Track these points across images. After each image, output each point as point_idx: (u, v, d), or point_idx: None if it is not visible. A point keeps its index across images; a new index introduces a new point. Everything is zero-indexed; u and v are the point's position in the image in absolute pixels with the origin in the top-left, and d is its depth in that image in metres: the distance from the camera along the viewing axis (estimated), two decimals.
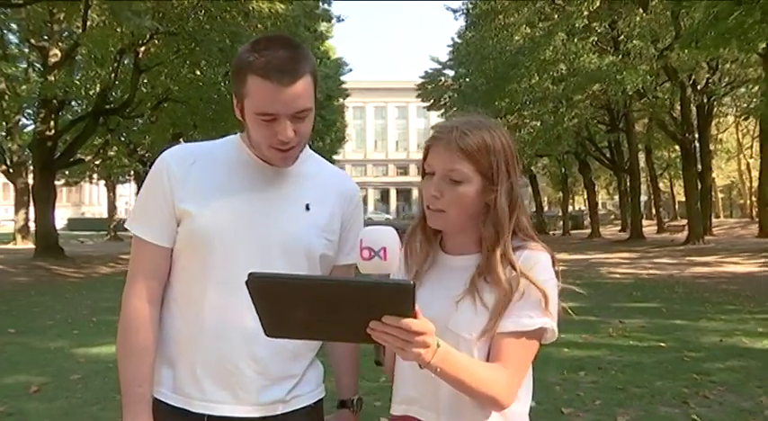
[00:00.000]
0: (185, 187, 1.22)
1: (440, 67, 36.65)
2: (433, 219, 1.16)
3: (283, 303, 0.89)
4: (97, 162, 22.71)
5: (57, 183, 19.97)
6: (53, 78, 16.75)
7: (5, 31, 21.25)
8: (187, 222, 1.22)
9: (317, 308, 0.88)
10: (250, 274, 0.87)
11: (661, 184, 40.45)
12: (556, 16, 21.42)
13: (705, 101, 25.62)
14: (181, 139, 23.72)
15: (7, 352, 5.81)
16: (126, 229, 1.31)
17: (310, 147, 1.35)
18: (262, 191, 1.25)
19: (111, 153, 22.17)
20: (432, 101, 36.57)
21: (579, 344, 5.89)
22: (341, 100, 37.93)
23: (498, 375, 1.05)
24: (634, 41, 20.45)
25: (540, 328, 1.09)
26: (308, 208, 1.26)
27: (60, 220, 28.08)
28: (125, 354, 1.23)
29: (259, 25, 16.49)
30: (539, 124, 23.34)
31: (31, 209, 20.44)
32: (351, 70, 39.65)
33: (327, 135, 35.08)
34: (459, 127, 1.12)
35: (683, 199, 26.71)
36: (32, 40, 18.84)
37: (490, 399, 1.05)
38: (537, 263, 1.11)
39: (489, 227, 1.13)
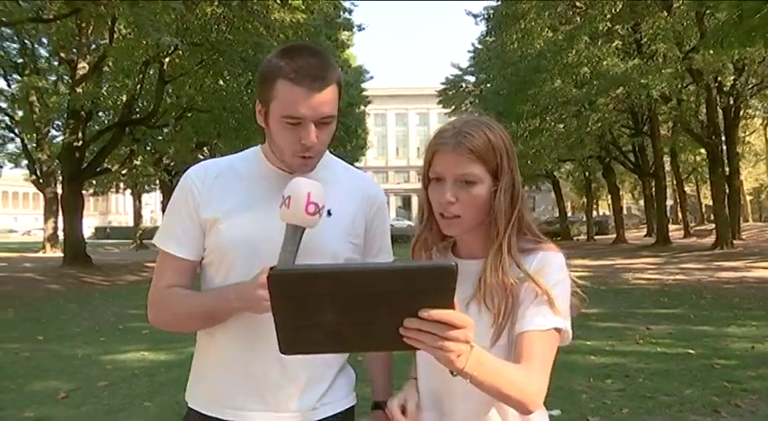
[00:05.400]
0: (209, 202, 1.25)
1: (460, 72, 36.67)
2: (450, 227, 1.13)
3: (309, 304, 0.77)
4: (123, 171, 23.13)
5: (84, 192, 20.35)
6: (81, 90, 17.14)
7: (36, 46, 21.89)
8: (212, 236, 1.24)
9: (346, 306, 0.77)
10: (272, 269, 0.76)
11: (687, 188, 39.81)
12: (578, 19, 21.24)
13: (731, 103, 25.15)
14: (204, 148, 24.09)
15: (37, 359, 5.92)
16: (151, 238, 1.34)
17: (332, 153, 1.36)
18: None
19: (137, 162, 22.53)
20: (453, 107, 36.49)
21: (605, 351, 5.80)
22: (362, 107, 38.11)
23: (530, 378, 1.00)
24: (658, 44, 20.16)
25: (557, 329, 1.06)
26: (329, 213, 1.25)
27: (87, 229, 28.56)
28: (179, 303, 1.25)
29: (281, 35, 16.69)
30: (561, 128, 23.10)
31: (60, 218, 20.89)
32: (372, 78, 39.92)
33: (349, 142, 35.22)
34: (462, 128, 1.11)
35: (710, 203, 26.19)
36: (62, 54, 19.31)
37: (518, 403, 0.99)
38: (550, 263, 1.09)
39: (492, 226, 1.11)
